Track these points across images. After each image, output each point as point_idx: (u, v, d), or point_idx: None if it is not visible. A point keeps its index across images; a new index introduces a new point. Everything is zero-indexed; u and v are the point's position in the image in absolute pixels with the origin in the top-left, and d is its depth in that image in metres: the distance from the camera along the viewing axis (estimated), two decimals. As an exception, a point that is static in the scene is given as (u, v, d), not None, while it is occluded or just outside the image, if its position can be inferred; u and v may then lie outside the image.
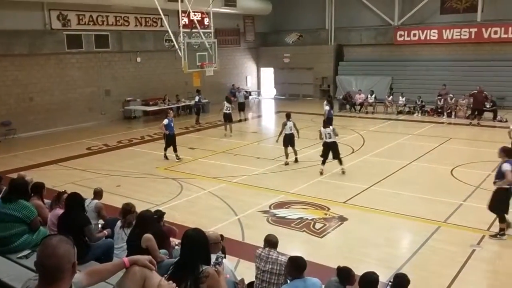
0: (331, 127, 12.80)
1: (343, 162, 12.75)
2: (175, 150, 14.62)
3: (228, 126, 18.95)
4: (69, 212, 5.72)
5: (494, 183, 8.32)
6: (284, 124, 13.87)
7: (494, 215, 9.11)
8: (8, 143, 17.98)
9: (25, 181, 6.57)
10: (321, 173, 12.60)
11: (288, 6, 30.70)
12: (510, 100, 22.66)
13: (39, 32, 19.71)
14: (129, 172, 13.46)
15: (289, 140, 13.85)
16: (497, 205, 8.30)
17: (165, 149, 14.80)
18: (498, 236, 8.31)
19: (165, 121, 14.42)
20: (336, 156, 12.69)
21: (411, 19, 26.69)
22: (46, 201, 7.04)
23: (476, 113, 19.96)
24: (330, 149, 12.61)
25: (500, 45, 24.31)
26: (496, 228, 8.45)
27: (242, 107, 22.42)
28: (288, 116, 14.07)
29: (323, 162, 12.72)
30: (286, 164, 13.79)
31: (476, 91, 20.11)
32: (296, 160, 13.93)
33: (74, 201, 5.81)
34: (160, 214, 6.59)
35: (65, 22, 20.51)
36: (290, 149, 13.87)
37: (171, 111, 15.20)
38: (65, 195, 7.07)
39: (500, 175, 8.14)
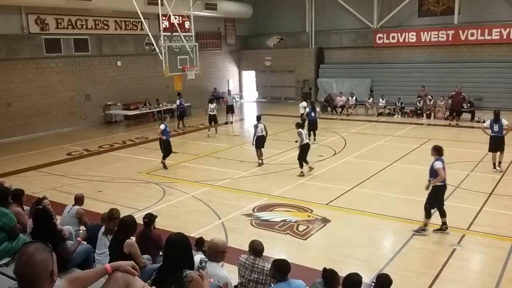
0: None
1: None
2: (163, 157, 14.07)
3: (212, 127, 18.94)
4: (39, 231, 5.29)
5: (429, 181, 8.56)
6: (256, 127, 13.94)
7: (474, 215, 9.30)
8: (-14, 150, 17.61)
9: (4, 187, 6.45)
10: (302, 175, 12.68)
11: (268, 9, 30.84)
12: (487, 101, 23.07)
13: (17, 36, 19.39)
14: (110, 177, 13.31)
15: (259, 142, 13.92)
16: (433, 200, 8.56)
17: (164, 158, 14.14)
18: (442, 229, 8.60)
19: (162, 127, 13.84)
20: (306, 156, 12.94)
21: (390, 22, 27.05)
22: (25, 207, 6.92)
23: (454, 114, 20.27)
24: (306, 150, 12.78)
25: (476, 47, 24.79)
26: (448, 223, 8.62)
27: (231, 109, 22.44)
28: (258, 118, 14.13)
29: (301, 165, 12.82)
30: (260, 165, 13.90)
31: (454, 92, 20.44)
32: (261, 163, 13.97)
33: (41, 219, 5.44)
34: (151, 218, 6.52)
35: (43, 26, 20.21)
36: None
37: (167, 116, 14.79)
38: (46, 200, 6.98)
39: (433, 172, 8.40)
